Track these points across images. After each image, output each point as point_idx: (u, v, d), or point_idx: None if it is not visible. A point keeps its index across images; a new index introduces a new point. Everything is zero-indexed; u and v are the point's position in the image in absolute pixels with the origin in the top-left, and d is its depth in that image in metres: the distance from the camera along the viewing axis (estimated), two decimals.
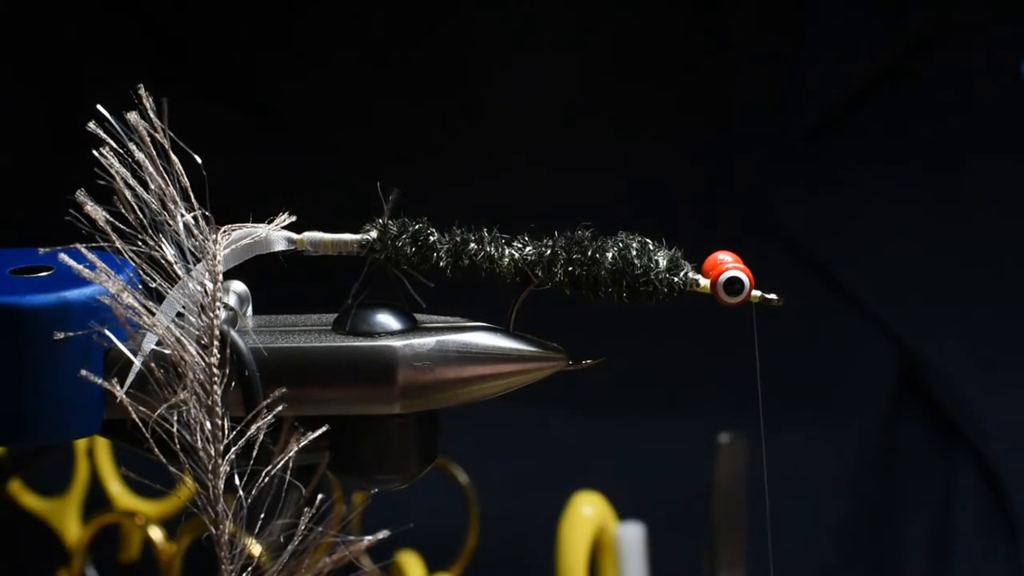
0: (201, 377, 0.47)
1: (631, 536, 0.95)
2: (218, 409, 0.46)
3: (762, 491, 0.94)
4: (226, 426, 0.47)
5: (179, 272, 0.48)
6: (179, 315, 0.48)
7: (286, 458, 0.47)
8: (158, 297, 0.49)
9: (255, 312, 0.54)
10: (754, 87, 1.27)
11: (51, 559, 0.93)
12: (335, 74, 1.17)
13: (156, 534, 0.91)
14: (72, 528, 0.97)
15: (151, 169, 0.49)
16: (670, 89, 1.23)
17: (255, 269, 0.54)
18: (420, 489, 1.10)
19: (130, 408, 0.47)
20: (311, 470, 0.50)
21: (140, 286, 0.49)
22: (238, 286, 0.52)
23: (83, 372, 0.46)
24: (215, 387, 0.47)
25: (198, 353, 0.47)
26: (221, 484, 0.47)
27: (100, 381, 0.47)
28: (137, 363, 0.47)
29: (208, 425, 0.46)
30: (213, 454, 0.47)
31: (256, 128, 1.18)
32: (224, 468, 0.47)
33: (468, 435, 0.82)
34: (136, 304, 0.47)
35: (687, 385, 1.13)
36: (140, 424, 0.47)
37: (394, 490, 0.54)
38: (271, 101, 1.18)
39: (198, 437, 0.46)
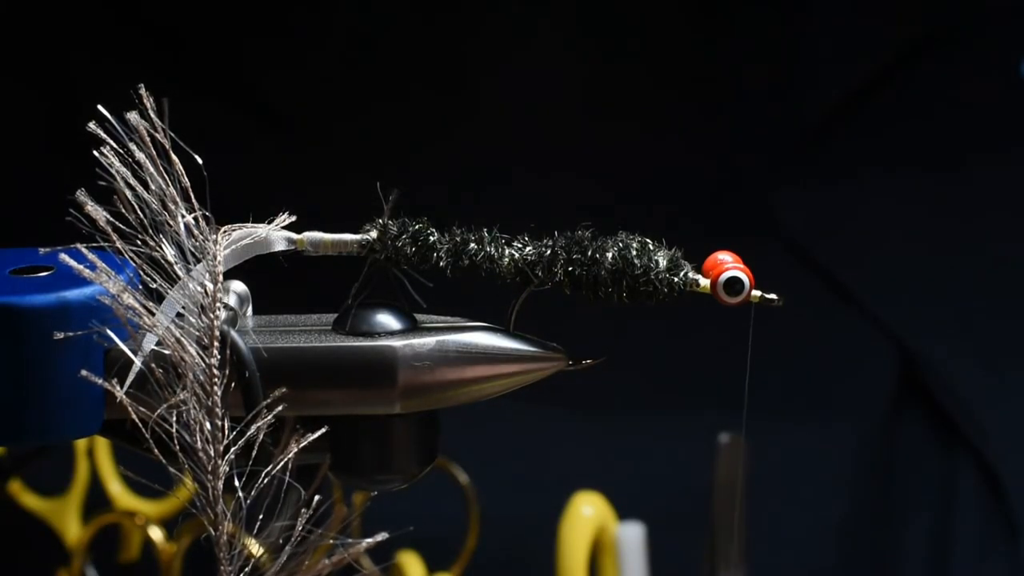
0: (201, 378, 0.47)
1: (631, 536, 0.95)
2: (218, 410, 0.46)
3: (762, 491, 0.94)
4: (226, 427, 0.47)
5: (179, 272, 0.48)
6: (179, 315, 0.48)
7: (286, 459, 0.47)
8: (159, 297, 0.49)
9: (255, 312, 0.54)
10: (754, 87, 1.27)
11: (51, 559, 0.93)
12: (335, 74, 1.17)
13: (156, 534, 0.91)
14: (72, 528, 0.97)
15: (151, 169, 0.48)
16: (670, 89, 1.23)
17: (255, 269, 0.53)
18: (420, 489, 1.10)
19: (130, 408, 0.47)
20: (311, 471, 0.50)
21: (140, 286, 0.49)
22: (238, 286, 0.52)
23: (84, 372, 0.46)
24: (215, 388, 0.47)
25: (198, 354, 0.47)
26: (220, 485, 0.47)
27: (100, 381, 0.47)
28: (137, 363, 0.47)
29: (208, 426, 0.46)
30: (212, 455, 0.46)
31: (256, 128, 1.18)
32: (223, 469, 0.47)
33: (468, 435, 0.82)
34: (136, 304, 0.47)
35: (687, 385, 1.13)
36: (140, 424, 0.47)
37: (394, 490, 0.54)
38: (271, 101, 1.18)
39: (198, 438, 0.46)
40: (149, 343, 0.48)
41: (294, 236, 0.52)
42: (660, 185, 1.22)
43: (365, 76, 1.18)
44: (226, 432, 0.47)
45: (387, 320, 0.51)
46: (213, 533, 0.47)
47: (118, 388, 0.47)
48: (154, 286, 0.48)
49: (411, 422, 0.51)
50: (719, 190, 1.26)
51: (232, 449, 0.47)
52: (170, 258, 0.48)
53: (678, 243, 0.52)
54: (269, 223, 0.52)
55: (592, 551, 0.94)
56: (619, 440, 1.11)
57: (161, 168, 0.49)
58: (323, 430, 0.48)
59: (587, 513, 0.94)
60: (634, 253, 0.50)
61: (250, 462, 0.47)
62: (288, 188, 1.12)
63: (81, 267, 0.46)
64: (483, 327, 0.51)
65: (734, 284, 0.50)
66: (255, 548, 0.49)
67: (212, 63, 1.18)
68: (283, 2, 1.18)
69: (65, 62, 1.18)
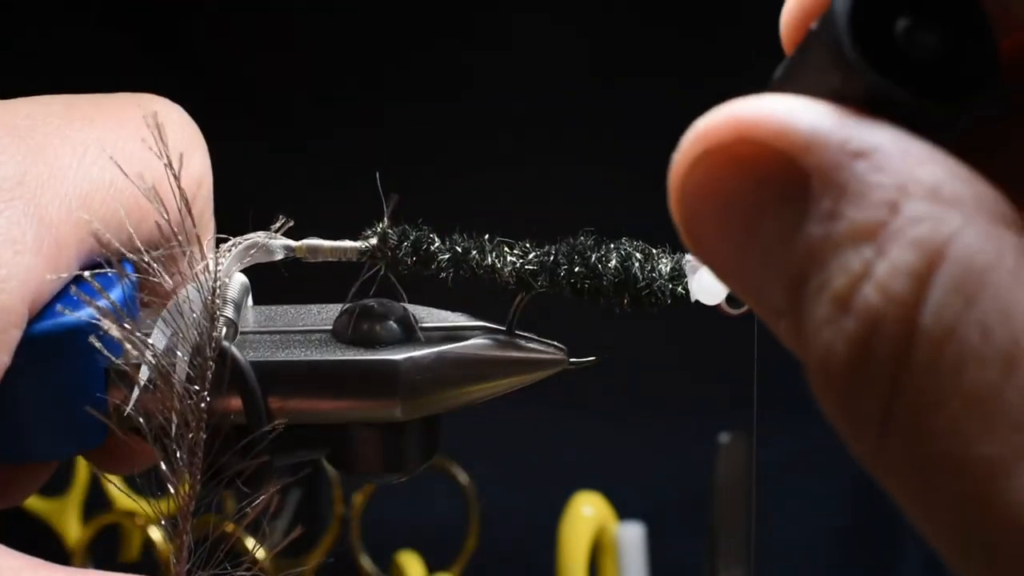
0: (189, 418, 0.46)
1: (631, 536, 0.96)
2: (199, 450, 0.46)
3: (763, 491, 0.94)
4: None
5: (180, 304, 0.48)
6: (178, 330, 0.48)
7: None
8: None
9: (252, 305, 0.54)
10: (756, 85, 1.27)
11: (51, 559, 0.92)
12: (335, 76, 1.17)
13: (156, 534, 0.91)
14: (72, 528, 0.97)
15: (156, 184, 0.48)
16: (670, 89, 1.23)
17: (255, 267, 0.53)
18: (420, 489, 1.09)
19: (116, 430, 0.47)
20: (309, 467, 0.50)
21: (138, 308, 0.48)
22: (238, 277, 0.52)
23: (88, 409, 0.46)
24: (200, 432, 0.46)
25: (185, 390, 0.46)
26: (189, 528, 0.47)
27: (102, 417, 0.46)
28: (137, 385, 0.46)
29: (186, 470, 0.46)
30: (188, 497, 0.46)
31: (255, 128, 1.18)
32: (190, 526, 0.47)
33: (468, 435, 0.82)
34: (131, 337, 0.46)
35: (687, 385, 1.13)
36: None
37: (394, 483, 0.53)
38: (270, 103, 1.18)
39: (176, 477, 0.46)
40: (144, 373, 0.47)
41: (292, 243, 0.52)
42: (660, 185, 1.22)
43: (366, 77, 1.17)
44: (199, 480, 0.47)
45: (387, 329, 0.50)
46: (173, 563, 0.47)
47: (112, 424, 0.47)
48: (150, 298, 0.48)
49: (413, 422, 0.51)
50: None
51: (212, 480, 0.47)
52: (170, 282, 0.48)
53: (678, 243, 0.51)
54: (266, 231, 0.51)
55: (592, 551, 0.94)
56: (619, 440, 1.11)
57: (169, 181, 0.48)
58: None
59: (587, 513, 0.94)
60: (636, 265, 0.49)
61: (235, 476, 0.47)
62: (287, 191, 1.12)
63: (80, 293, 0.46)
64: (484, 329, 0.51)
65: (736, 297, 0.50)
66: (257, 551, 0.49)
67: (211, 66, 1.18)
68: (284, 6, 1.18)
69: (68, 70, 1.17)
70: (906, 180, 0.30)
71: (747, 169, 0.32)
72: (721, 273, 0.34)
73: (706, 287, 0.49)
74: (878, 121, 0.31)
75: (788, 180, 0.31)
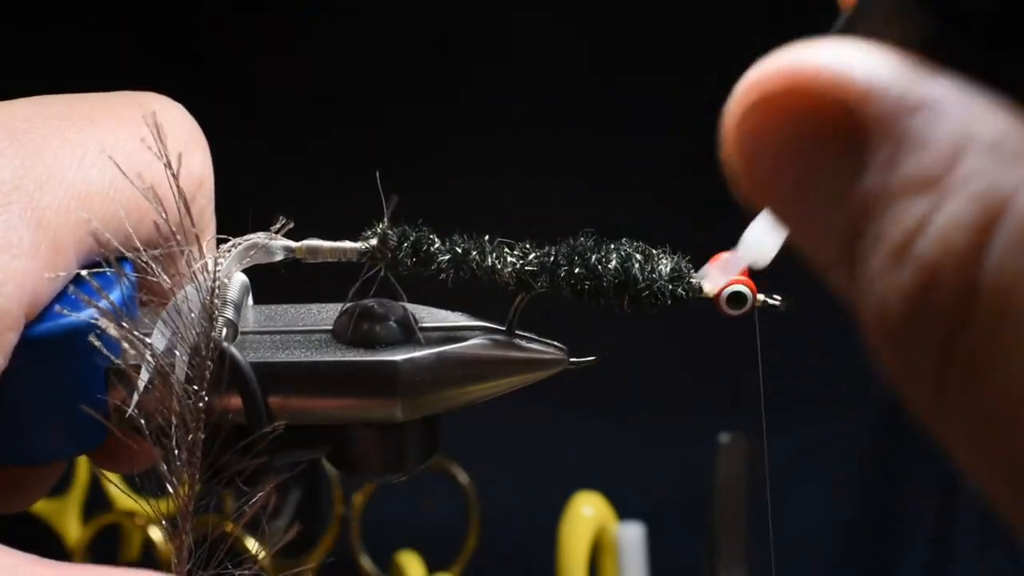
0: (187, 418, 0.46)
1: (631, 536, 0.96)
2: (197, 451, 0.46)
3: (767, 487, 0.94)
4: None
5: (177, 296, 0.48)
6: (177, 332, 0.48)
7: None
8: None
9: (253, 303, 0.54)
10: None
11: (51, 559, 0.92)
12: (335, 76, 1.17)
13: (156, 534, 0.91)
14: (72, 528, 0.97)
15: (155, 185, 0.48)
16: (671, 90, 1.23)
17: (255, 267, 0.53)
18: (420, 489, 1.09)
19: (116, 431, 0.47)
20: (308, 466, 0.50)
21: (137, 307, 0.48)
22: (238, 276, 0.52)
23: (87, 409, 0.46)
24: (199, 432, 0.46)
25: (183, 390, 0.46)
26: (189, 528, 0.47)
27: (101, 418, 0.46)
28: (138, 389, 0.46)
29: (185, 473, 0.46)
30: (186, 497, 0.46)
31: (255, 128, 1.18)
32: (190, 524, 0.47)
33: (468, 435, 0.82)
34: (131, 338, 0.46)
35: (687, 385, 1.13)
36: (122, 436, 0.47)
37: (394, 482, 0.53)
38: (270, 103, 1.18)
39: (173, 478, 0.46)
40: (143, 373, 0.47)
41: (292, 244, 0.52)
42: (660, 185, 1.22)
43: (366, 78, 1.17)
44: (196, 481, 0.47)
45: (387, 329, 0.50)
46: (174, 563, 0.47)
47: (111, 424, 0.47)
48: (150, 300, 0.48)
49: (413, 422, 0.51)
50: (719, 190, 1.25)
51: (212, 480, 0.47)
52: (167, 281, 0.48)
53: (682, 242, 0.51)
54: (266, 232, 0.51)
55: (592, 551, 0.94)
56: (619, 440, 1.11)
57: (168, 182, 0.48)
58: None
59: (587, 513, 0.94)
60: (636, 266, 0.49)
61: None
62: (285, 192, 1.12)
63: (79, 293, 0.46)
64: (484, 329, 0.51)
65: (737, 298, 0.50)
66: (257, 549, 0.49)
67: (209, 65, 1.18)
68: (282, 7, 1.18)
69: (67, 73, 1.17)
70: (966, 133, 0.29)
71: (802, 118, 0.31)
72: (778, 219, 0.33)
73: (755, 250, 0.49)
74: (939, 72, 0.30)
75: (844, 130, 0.31)
